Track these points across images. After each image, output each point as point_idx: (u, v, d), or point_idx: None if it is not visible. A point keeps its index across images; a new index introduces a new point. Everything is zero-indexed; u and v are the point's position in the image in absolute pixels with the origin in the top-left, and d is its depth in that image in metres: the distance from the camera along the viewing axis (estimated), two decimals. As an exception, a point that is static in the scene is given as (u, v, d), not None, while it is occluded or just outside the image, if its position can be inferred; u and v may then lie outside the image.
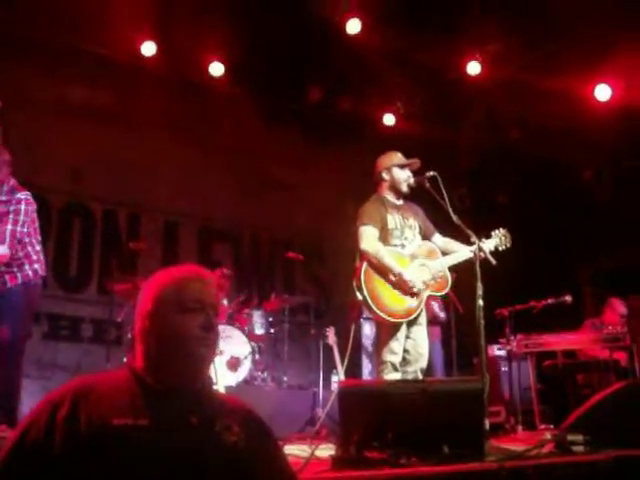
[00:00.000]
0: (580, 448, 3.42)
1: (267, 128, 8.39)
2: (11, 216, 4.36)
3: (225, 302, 7.06)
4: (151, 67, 7.47)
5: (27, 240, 4.47)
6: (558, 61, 6.98)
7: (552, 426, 5.55)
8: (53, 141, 6.81)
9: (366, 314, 6.98)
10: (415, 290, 4.49)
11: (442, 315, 7.27)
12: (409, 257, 4.62)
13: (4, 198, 4.41)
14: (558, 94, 7.42)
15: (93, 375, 1.76)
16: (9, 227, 4.34)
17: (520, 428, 5.79)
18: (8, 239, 4.31)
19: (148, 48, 7.32)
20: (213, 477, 1.65)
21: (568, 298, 6.43)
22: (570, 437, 3.48)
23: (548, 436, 3.77)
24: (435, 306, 7.25)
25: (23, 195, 4.45)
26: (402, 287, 4.49)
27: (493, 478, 2.84)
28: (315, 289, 9.12)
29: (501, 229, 4.99)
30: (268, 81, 7.98)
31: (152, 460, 1.58)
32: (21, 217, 4.40)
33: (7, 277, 4.36)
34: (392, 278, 4.48)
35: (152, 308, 1.78)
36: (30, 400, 4.98)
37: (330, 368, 6.89)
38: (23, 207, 4.42)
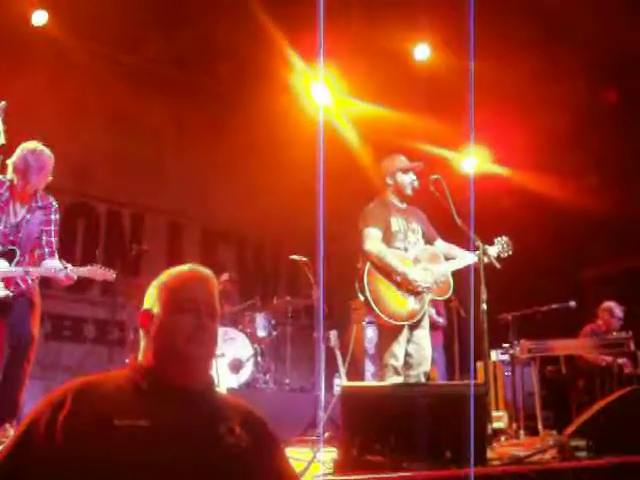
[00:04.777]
0: (583, 454, 3.41)
1: (273, 129, 8.37)
2: (53, 227, 4.42)
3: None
4: (156, 67, 7.49)
5: None
6: (559, 67, 6.98)
7: (555, 431, 5.53)
8: (57, 141, 6.84)
9: (369, 318, 6.95)
10: (420, 289, 4.47)
11: (440, 320, 7.19)
12: (412, 260, 4.60)
13: (40, 204, 4.41)
14: (561, 98, 7.42)
15: (95, 375, 1.76)
16: (54, 240, 4.41)
17: (523, 433, 5.77)
18: (56, 253, 4.38)
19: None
20: (214, 479, 1.64)
21: (572, 303, 6.42)
22: (573, 442, 3.47)
23: (551, 441, 3.75)
24: (432, 311, 7.18)
25: (55, 202, 4.48)
26: (407, 286, 4.46)
27: (495, 483, 2.84)
28: (318, 291, 9.09)
29: (503, 237, 4.97)
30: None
31: (153, 461, 1.57)
32: (57, 228, 4.46)
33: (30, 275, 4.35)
34: (396, 278, 4.46)
35: (150, 308, 1.80)
36: (32, 400, 4.94)
37: (333, 371, 6.86)
38: (58, 217, 4.48)
